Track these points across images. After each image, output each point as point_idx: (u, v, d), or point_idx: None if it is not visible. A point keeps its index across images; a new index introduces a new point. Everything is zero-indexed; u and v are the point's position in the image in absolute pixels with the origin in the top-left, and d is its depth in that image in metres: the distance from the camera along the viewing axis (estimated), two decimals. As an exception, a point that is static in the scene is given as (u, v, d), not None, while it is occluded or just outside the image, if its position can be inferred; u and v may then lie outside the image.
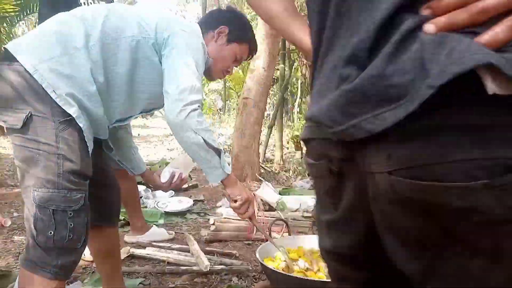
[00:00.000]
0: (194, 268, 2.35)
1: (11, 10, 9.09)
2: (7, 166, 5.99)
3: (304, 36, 0.82)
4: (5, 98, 1.30)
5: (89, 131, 1.38)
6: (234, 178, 1.54)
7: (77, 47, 1.32)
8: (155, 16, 1.50)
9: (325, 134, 0.58)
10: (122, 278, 1.86)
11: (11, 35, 10.53)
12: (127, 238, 2.87)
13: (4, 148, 7.79)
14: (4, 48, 1.34)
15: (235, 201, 1.57)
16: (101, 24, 1.38)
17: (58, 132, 1.28)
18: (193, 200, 3.92)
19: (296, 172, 5.39)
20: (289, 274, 1.63)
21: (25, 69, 1.26)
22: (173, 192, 4.25)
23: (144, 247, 2.69)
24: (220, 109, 20.34)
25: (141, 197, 3.63)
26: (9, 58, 1.29)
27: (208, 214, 3.69)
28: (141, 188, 3.76)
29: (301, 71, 8.40)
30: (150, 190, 4.29)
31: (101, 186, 1.62)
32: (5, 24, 9.61)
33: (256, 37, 1.79)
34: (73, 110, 1.29)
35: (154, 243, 2.75)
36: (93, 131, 1.43)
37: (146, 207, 3.66)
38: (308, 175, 5.42)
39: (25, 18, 10.34)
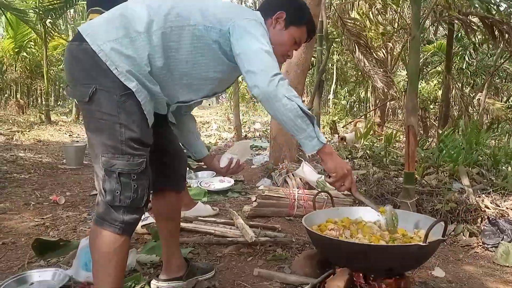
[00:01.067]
0: (240, 239, 2.45)
1: (57, 2, 9.49)
2: (55, 151, 6.30)
3: None
4: (76, 74, 1.44)
5: (149, 105, 1.48)
6: (330, 149, 1.50)
7: (138, 31, 1.41)
8: (218, 5, 1.56)
9: None
10: (179, 242, 1.97)
11: (56, 27, 10.97)
12: (174, 213, 2.99)
13: (52, 136, 8.19)
14: (77, 29, 1.46)
15: (329, 176, 1.55)
16: (166, 11, 1.45)
17: (120, 104, 1.40)
18: (234, 180, 4.02)
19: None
20: (334, 238, 1.68)
21: (92, 48, 1.38)
22: (215, 172, 4.38)
23: (191, 222, 2.80)
24: (253, 97, 20.45)
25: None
26: (80, 38, 1.42)
27: (249, 193, 3.79)
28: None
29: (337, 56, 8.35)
30: (192, 171, 4.44)
31: (167, 154, 1.77)
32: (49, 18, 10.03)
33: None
34: (132, 85, 1.40)
35: (200, 218, 2.86)
36: (154, 104, 1.53)
37: (190, 186, 3.79)
38: (347, 157, 5.41)
39: (68, 10, 10.76)
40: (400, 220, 1.92)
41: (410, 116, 2.96)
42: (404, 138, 3.67)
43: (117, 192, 1.40)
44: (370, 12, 8.44)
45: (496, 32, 3.86)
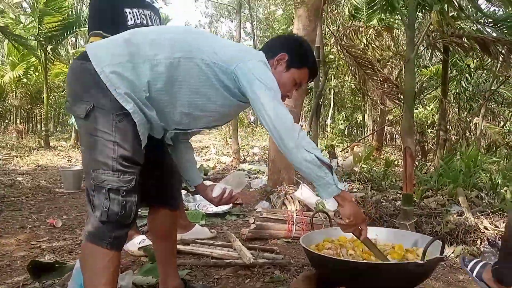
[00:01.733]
0: (238, 261, 2.42)
1: (56, 29, 9.68)
2: (53, 176, 6.29)
3: None
4: (76, 91, 1.49)
5: (144, 127, 1.50)
6: (348, 195, 1.56)
7: (144, 59, 1.45)
8: (227, 43, 1.61)
9: None
10: (176, 263, 1.96)
11: (57, 54, 11.14)
12: (171, 235, 2.97)
13: (50, 161, 8.19)
14: (85, 47, 1.50)
15: (341, 218, 1.57)
16: (174, 42, 1.50)
17: (115, 123, 1.44)
18: (232, 203, 4.00)
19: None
20: (331, 256, 1.67)
21: (94, 68, 1.42)
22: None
23: (188, 244, 2.78)
24: (252, 122, 20.61)
25: (182, 199, 3.74)
26: (84, 57, 1.46)
27: (247, 216, 3.77)
28: (182, 192, 3.88)
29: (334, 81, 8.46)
30: (190, 194, 4.43)
31: (162, 172, 1.80)
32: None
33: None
34: (129, 106, 1.44)
35: (198, 240, 2.84)
36: (149, 127, 1.55)
37: (187, 209, 3.78)
38: (345, 179, 5.41)
39: (68, 37, 10.95)
40: (398, 240, 1.93)
41: (407, 138, 2.99)
42: (402, 163, 3.69)
43: (105, 208, 1.42)
44: (365, 39, 8.59)
45: (492, 49, 3.96)
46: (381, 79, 6.97)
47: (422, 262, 1.52)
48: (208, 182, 4.83)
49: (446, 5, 3.68)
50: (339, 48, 6.67)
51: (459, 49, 4.24)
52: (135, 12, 2.54)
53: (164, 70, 1.46)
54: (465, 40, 4.05)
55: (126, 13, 2.50)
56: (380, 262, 1.64)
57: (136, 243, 2.67)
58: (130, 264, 2.47)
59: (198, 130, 1.71)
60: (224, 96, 1.55)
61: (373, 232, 2.00)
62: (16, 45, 10.08)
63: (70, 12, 10.42)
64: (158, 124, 1.59)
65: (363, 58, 6.90)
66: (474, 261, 2.15)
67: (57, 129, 18.48)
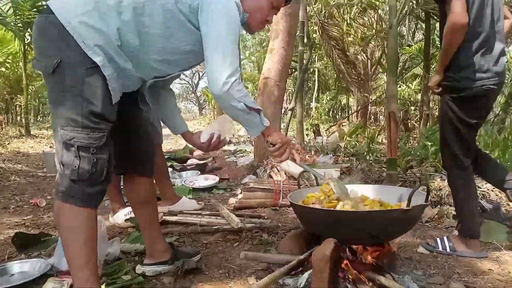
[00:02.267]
0: (226, 227, 2.42)
1: (34, 16, 9.37)
2: (35, 161, 6.19)
3: None
4: (42, 46, 1.42)
5: (115, 82, 1.45)
6: (271, 127, 1.69)
7: (109, 5, 1.41)
8: None
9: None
10: (160, 228, 1.94)
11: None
12: (159, 208, 2.94)
13: (32, 148, 8.05)
14: (46, 4, 1.44)
15: (274, 145, 1.68)
16: None
17: (84, 77, 1.37)
18: (219, 178, 4.00)
19: (317, 153, 5.42)
20: (315, 207, 1.68)
21: (59, 21, 1.36)
22: (199, 172, 4.36)
23: (175, 215, 2.76)
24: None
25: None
26: (48, 11, 1.40)
27: (234, 189, 3.77)
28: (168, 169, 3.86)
29: (334, 62, 8.34)
30: (176, 172, 4.41)
31: (135, 136, 1.73)
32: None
33: (273, 18, 1.77)
34: (98, 59, 1.38)
35: (185, 211, 2.83)
36: (122, 81, 1.51)
37: (174, 185, 3.75)
38: (328, 153, 5.44)
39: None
40: (383, 195, 1.95)
41: (390, 103, 3.00)
42: (386, 141, 3.72)
43: (75, 166, 1.37)
44: (349, 17, 8.59)
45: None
46: (351, 65, 7.09)
47: (407, 208, 1.53)
48: (194, 160, 4.81)
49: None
50: (319, 27, 6.70)
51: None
52: None
53: (130, 16, 1.42)
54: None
55: None
56: (369, 210, 1.66)
57: (123, 215, 2.66)
58: (118, 234, 2.45)
59: (177, 74, 1.70)
60: (194, 32, 1.52)
61: (361, 189, 2.03)
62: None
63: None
64: (134, 76, 1.55)
65: (337, 40, 6.96)
66: (438, 240, 2.21)
67: (38, 119, 18.12)
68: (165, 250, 1.91)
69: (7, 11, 9.90)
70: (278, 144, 1.68)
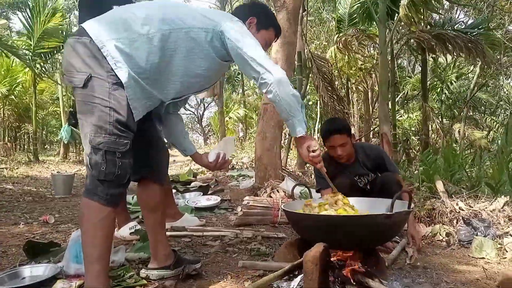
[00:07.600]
0: (225, 238, 2.55)
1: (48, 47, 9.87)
2: (44, 184, 6.36)
3: None
4: (73, 63, 1.62)
5: (137, 102, 1.64)
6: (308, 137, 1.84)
7: (139, 33, 1.62)
8: (204, 10, 1.79)
9: None
10: (165, 232, 2.08)
11: (45, 68, 11.23)
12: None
13: (40, 172, 8.24)
14: (80, 25, 1.66)
15: (314, 151, 1.82)
16: (161, 16, 1.66)
17: (111, 91, 1.58)
18: (220, 199, 4.13)
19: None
20: (305, 213, 1.82)
21: (91, 41, 1.57)
22: (202, 193, 4.50)
23: (178, 231, 2.88)
24: (241, 137, 20.88)
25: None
26: (81, 34, 1.62)
27: (235, 210, 3.89)
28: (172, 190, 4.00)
29: (319, 94, 8.62)
30: (179, 194, 4.54)
31: (152, 147, 1.95)
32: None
33: (272, 46, 2.05)
34: (124, 80, 1.59)
35: (188, 227, 2.95)
36: (145, 101, 1.70)
37: (177, 205, 3.87)
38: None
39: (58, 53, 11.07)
40: (371, 208, 2.08)
41: (382, 125, 3.17)
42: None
43: (103, 168, 1.56)
44: (347, 50, 8.88)
45: (450, 47, 4.26)
46: (336, 98, 7.40)
47: (390, 213, 1.66)
48: (197, 183, 4.93)
49: None
50: (309, 59, 7.01)
51: (424, 46, 4.54)
52: None
53: (157, 43, 1.62)
54: (430, 36, 4.32)
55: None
56: (352, 215, 1.79)
57: (128, 229, 2.78)
58: (123, 245, 2.57)
59: (190, 96, 1.90)
60: (213, 60, 1.73)
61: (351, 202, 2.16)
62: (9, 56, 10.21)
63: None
64: (155, 97, 1.73)
65: (325, 73, 7.28)
66: None
67: (45, 147, 18.39)
68: (168, 254, 2.04)
69: (22, 44, 10.38)
70: (318, 151, 1.82)
